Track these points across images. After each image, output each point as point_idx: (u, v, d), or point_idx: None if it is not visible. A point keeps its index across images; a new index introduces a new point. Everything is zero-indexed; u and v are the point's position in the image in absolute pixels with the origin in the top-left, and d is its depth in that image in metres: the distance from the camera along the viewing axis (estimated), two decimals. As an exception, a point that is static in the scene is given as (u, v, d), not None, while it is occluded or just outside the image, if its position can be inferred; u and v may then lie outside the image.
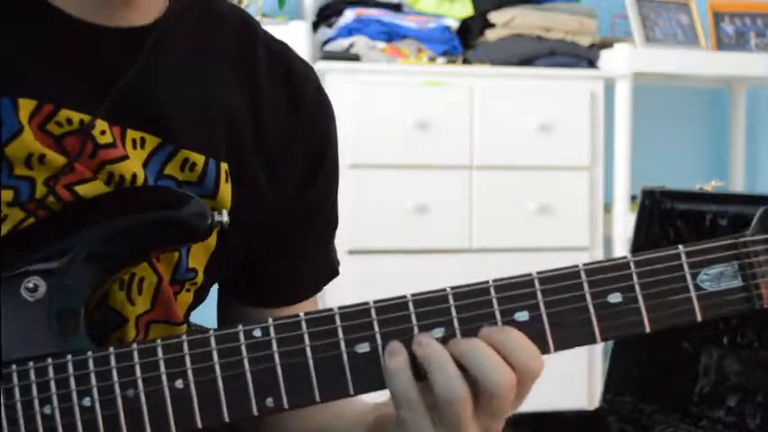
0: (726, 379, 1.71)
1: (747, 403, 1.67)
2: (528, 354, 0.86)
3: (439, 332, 0.87)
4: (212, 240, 1.01)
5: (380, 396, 0.90)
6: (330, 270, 1.16)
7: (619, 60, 3.44)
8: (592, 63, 3.49)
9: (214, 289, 1.13)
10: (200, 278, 1.02)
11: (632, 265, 0.88)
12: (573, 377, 3.28)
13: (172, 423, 0.86)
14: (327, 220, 1.14)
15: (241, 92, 1.04)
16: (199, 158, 0.99)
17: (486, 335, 0.86)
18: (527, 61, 3.41)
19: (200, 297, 1.06)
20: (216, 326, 0.93)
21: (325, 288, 1.17)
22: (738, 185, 3.94)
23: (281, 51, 1.09)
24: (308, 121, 1.08)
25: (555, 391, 3.20)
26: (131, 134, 0.96)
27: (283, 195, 1.06)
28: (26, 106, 0.92)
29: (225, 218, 0.94)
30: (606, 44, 3.52)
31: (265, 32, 1.09)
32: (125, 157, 0.95)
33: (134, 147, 0.96)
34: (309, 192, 1.09)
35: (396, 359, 0.86)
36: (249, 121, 1.03)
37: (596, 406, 1.93)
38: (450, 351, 0.86)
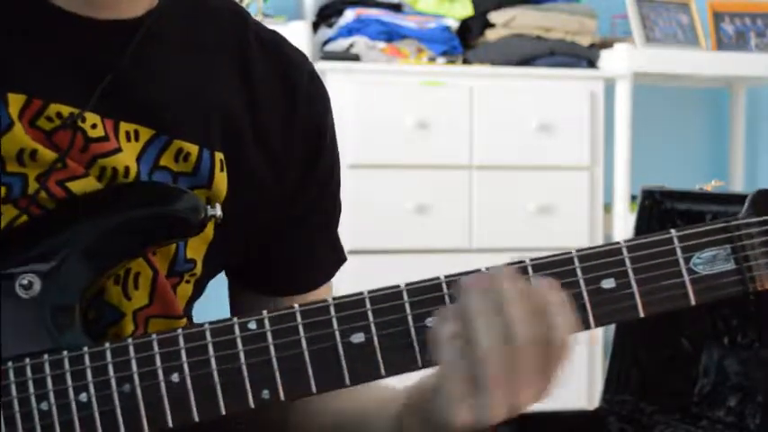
0: (726, 379, 1.71)
1: (747, 403, 1.67)
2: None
3: (433, 321, 0.87)
4: (210, 231, 1.01)
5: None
6: (338, 257, 1.16)
7: (619, 60, 3.43)
8: (592, 63, 3.49)
9: (217, 285, 1.12)
10: (198, 269, 1.02)
11: (625, 250, 0.88)
12: (573, 377, 3.28)
13: (168, 417, 0.86)
14: (331, 206, 1.14)
15: (235, 82, 1.04)
16: (193, 148, 0.99)
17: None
18: (527, 61, 3.41)
19: (200, 288, 1.06)
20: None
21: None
22: (738, 185, 3.93)
23: (273, 40, 1.09)
24: (304, 108, 1.08)
25: (555, 391, 3.20)
26: (125, 126, 0.96)
27: (284, 183, 1.06)
28: (16, 101, 0.92)
29: (218, 212, 0.95)
30: (606, 44, 3.52)
31: (256, 22, 1.09)
32: (117, 150, 0.95)
33: (128, 139, 0.96)
34: (310, 178, 1.09)
35: (446, 327, 0.83)
36: (244, 110, 1.03)
37: (596, 406, 1.93)
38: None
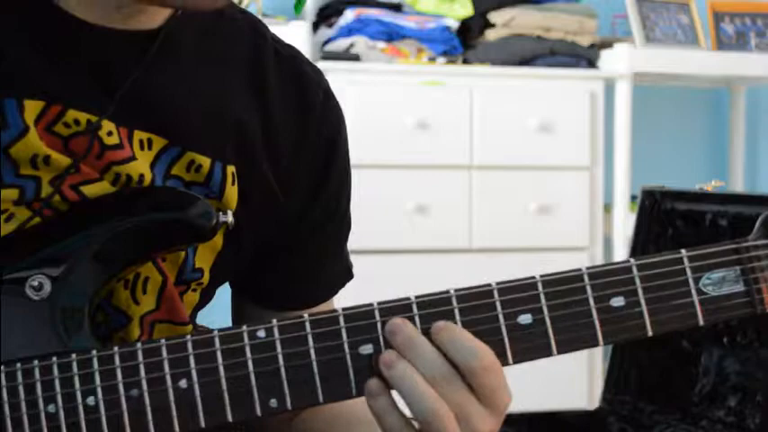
0: (726, 379, 1.71)
1: (747, 403, 1.67)
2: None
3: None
4: (219, 240, 1.01)
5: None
6: (345, 273, 1.16)
7: (619, 60, 3.44)
8: (592, 63, 3.49)
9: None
10: (206, 278, 1.03)
11: (635, 269, 0.89)
12: (573, 377, 3.28)
13: (175, 423, 0.86)
14: (341, 223, 1.14)
15: (250, 96, 1.04)
16: (205, 161, 0.99)
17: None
18: (527, 61, 3.41)
19: (206, 297, 1.06)
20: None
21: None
22: (738, 185, 3.94)
23: (291, 56, 1.09)
24: (317, 127, 1.08)
25: (555, 391, 3.21)
26: (138, 135, 0.97)
27: (294, 199, 1.07)
28: (33, 107, 0.92)
29: (230, 218, 0.95)
30: (606, 44, 3.52)
31: (274, 36, 1.09)
32: (132, 158, 0.95)
33: (141, 148, 0.97)
34: (320, 196, 1.09)
35: (378, 401, 0.86)
36: (258, 125, 1.04)
37: (596, 406, 1.93)
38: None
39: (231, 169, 1.01)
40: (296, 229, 1.09)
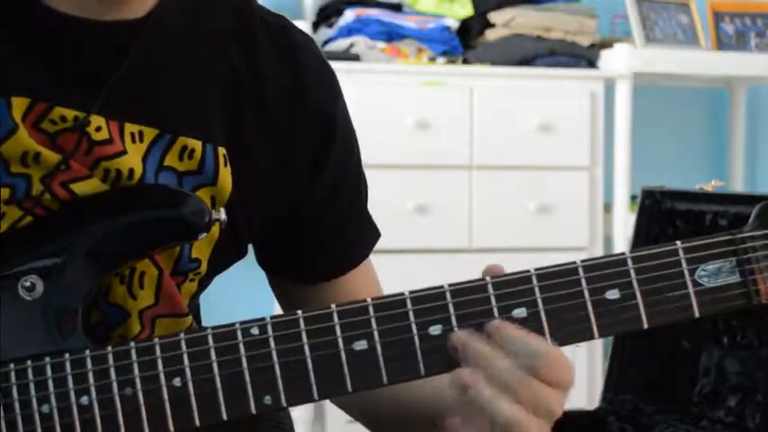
0: (726, 379, 1.71)
1: (747, 403, 1.67)
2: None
3: (436, 329, 0.87)
4: (215, 231, 1.00)
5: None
6: (370, 234, 1.16)
7: (619, 60, 3.43)
8: (592, 63, 3.49)
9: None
10: (203, 268, 1.02)
11: (630, 261, 0.89)
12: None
13: (170, 421, 0.86)
14: (356, 188, 1.13)
15: (239, 72, 1.03)
16: (196, 144, 0.98)
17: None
18: (527, 61, 3.41)
19: (204, 285, 1.06)
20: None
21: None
22: (738, 185, 3.94)
23: (280, 25, 1.08)
24: (314, 92, 1.07)
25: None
26: (129, 128, 0.96)
27: (294, 170, 1.06)
28: (19, 104, 0.92)
29: (222, 215, 0.95)
30: (606, 44, 3.52)
31: (261, 7, 1.08)
32: (122, 153, 0.95)
33: (133, 140, 0.96)
34: (326, 165, 1.08)
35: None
36: (251, 100, 1.03)
37: (596, 406, 1.93)
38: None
39: (222, 151, 1.00)
40: (307, 201, 1.08)
